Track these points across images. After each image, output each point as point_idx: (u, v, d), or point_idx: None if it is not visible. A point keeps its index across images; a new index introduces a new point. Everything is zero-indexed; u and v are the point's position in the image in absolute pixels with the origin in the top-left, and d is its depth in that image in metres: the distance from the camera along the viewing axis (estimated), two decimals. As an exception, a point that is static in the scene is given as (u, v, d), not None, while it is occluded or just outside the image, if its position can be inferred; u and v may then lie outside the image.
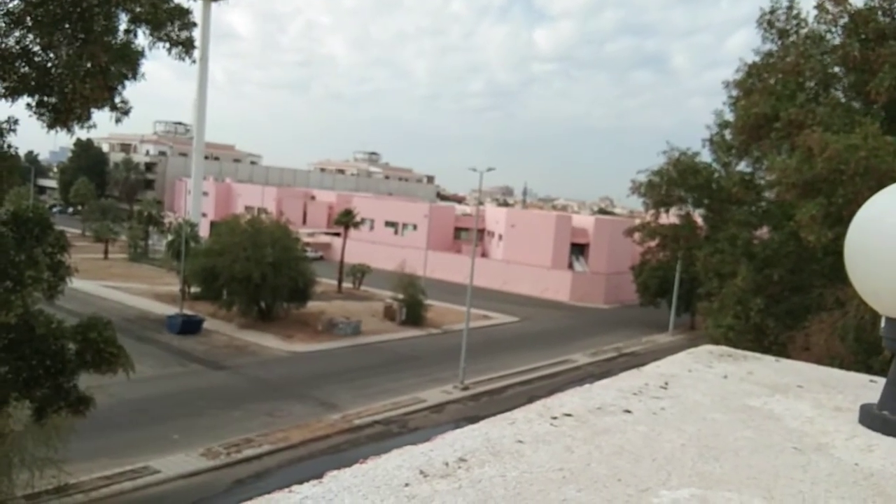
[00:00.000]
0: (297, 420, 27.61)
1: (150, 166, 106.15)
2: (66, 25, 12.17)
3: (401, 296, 47.47)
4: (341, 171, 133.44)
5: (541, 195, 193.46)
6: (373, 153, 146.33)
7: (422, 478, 1.58)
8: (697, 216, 29.93)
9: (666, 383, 2.74)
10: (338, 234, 66.65)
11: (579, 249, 69.00)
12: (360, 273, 58.77)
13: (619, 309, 62.38)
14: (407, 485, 1.54)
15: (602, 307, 63.45)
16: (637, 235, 35.39)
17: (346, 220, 60.83)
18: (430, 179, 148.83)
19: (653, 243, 34.90)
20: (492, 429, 2.00)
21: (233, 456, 23.78)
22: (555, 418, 2.16)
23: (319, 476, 1.54)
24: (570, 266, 68.16)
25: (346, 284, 58.53)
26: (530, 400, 2.39)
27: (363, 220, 65.12)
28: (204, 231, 62.10)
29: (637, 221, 40.55)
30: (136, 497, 20.52)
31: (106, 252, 66.28)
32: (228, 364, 34.96)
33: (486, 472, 1.67)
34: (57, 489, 19.61)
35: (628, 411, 2.32)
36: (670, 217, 30.77)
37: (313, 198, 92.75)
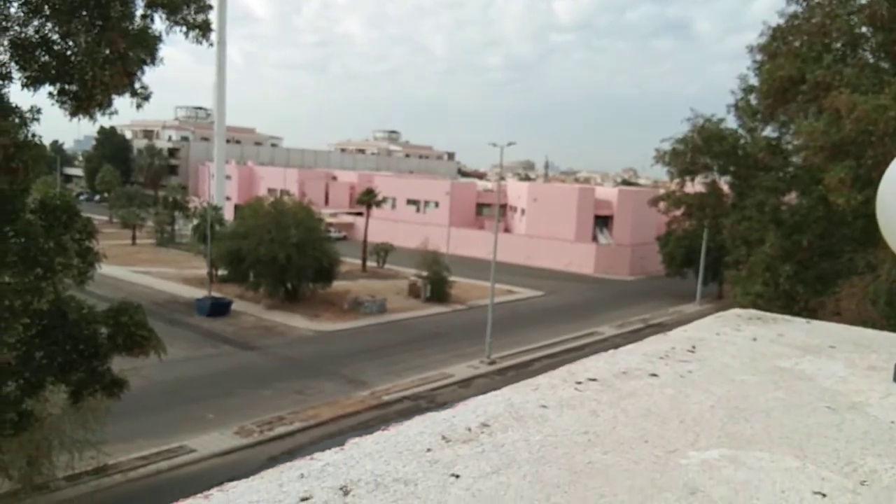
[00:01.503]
0: (327, 397, 27.96)
1: (172, 152, 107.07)
2: (84, 13, 12.22)
3: (425, 273, 47.58)
4: (361, 151, 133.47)
5: (563, 168, 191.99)
6: (392, 132, 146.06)
7: (444, 443, 1.56)
8: (723, 183, 29.49)
9: (693, 347, 2.70)
10: (360, 214, 66.85)
11: (603, 221, 68.47)
12: (384, 252, 58.95)
13: (645, 280, 61.94)
14: (429, 450, 1.52)
15: (627, 279, 63.05)
16: (662, 205, 34.96)
17: (367, 200, 60.94)
18: (451, 156, 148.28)
19: (678, 212, 34.47)
20: (515, 394, 1.98)
21: (265, 434, 24.18)
22: (579, 383, 2.13)
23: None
24: (595, 238, 67.71)
25: (371, 263, 58.80)
26: (554, 366, 2.36)
27: (385, 199, 65.20)
28: (228, 214, 62.66)
29: (662, 191, 40.05)
30: (172, 476, 20.98)
31: (133, 238, 67.24)
32: (258, 344, 35.42)
33: (510, 436, 1.65)
34: (96, 470, 20.11)
35: (654, 375, 2.28)
36: (696, 185, 30.35)
37: (335, 178, 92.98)
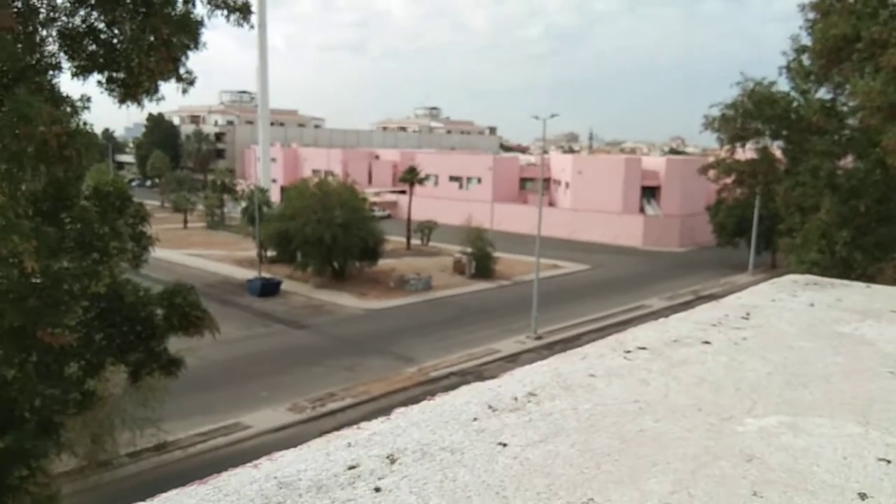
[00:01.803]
0: (376, 374, 28.36)
1: (219, 136, 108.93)
2: (127, 1, 12.43)
3: (469, 249, 47.58)
4: (403, 129, 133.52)
5: (608, 139, 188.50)
6: (433, 108, 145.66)
7: (490, 412, 1.55)
8: (776, 149, 28.60)
9: (747, 314, 2.62)
10: (403, 192, 67.06)
11: (651, 192, 67.22)
12: (428, 229, 59.13)
13: (696, 251, 60.77)
14: (475, 419, 1.51)
15: (677, 250, 61.96)
16: (712, 173, 34.11)
17: (410, 178, 61.04)
18: (493, 131, 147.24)
19: (729, 180, 33.63)
20: (562, 364, 1.94)
21: (318, 410, 24.69)
22: (628, 352, 2.09)
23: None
24: (642, 210, 66.60)
25: (415, 241, 59.07)
26: (602, 335, 2.32)
27: (427, 177, 65.22)
28: (275, 196, 63.58)
29: (711, 159, 39.07)
30: (229, 451, 21.61)
31: (185, 221, 68.88)
32: (307, 323, 36.06)
33: (557, 405, 1.62)
34: (157, 447, 20.87)
35: (707, 342, 2.22)
36: (746, 152, 29.51)
37: (377, 157, 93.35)
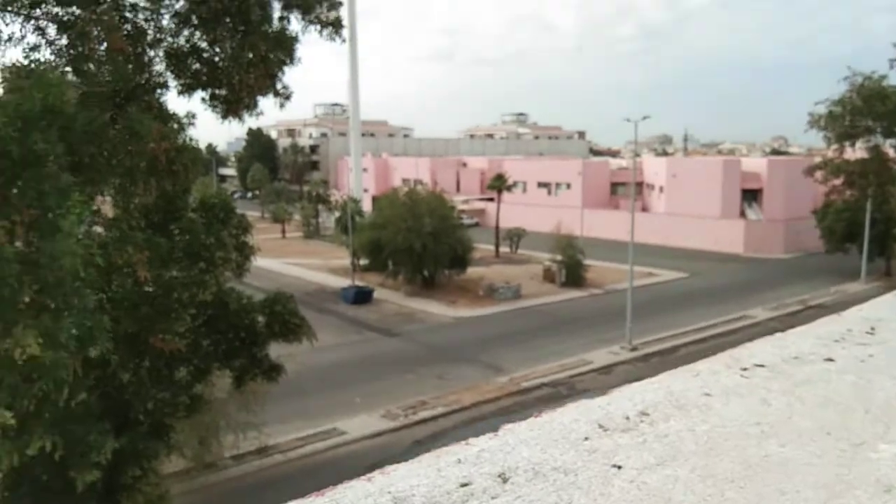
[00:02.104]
0: (467, 382, 28.40)
1: (314, 148, 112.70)
2: (227, 20, 13.09)
3: (559, 257, 47.00)
4: (490, 136, 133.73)
5: (704, 141, 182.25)
6: (520, 114, 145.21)
7: (601, 431, 1.50)
8: (888, 147, 26.86)
9: (872, 328, 2.44)
10: (491, 200, 67.08)
11: (752, 195, 64.34)
12: (516, 237, 58.85)
13: (802, 258, 57.63)
14: (587, 438, 1.46)
15: (781, 257, 58.97)
16: (819, 174, 32.41)
17: (498, 185, 60.98)
18: (581, 135, 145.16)
19: (838, 181, 31.78)
20: (674, 381, 1.87)
21: (410, 417, 24.96)
22: (745, 369, 1.98)
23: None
24: (743, 214, 63.83)
25: (503, 249, 58.92)
26: (713, 351, 2.21)
27: (515, 183, 64.92)
28: (367, 206, 65.04)
29: (817, 159, 37.04)
30: (328, 456, 22.19)
31: (283, 231, 71.50)
32: (399, 331, 36.60)
33: (672, 425, 1.55)
34: (258, 450, 21.67)
35: (830, 359, 2.09)
36: (856, 151, 27.84)
37: (465, 165, 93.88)
